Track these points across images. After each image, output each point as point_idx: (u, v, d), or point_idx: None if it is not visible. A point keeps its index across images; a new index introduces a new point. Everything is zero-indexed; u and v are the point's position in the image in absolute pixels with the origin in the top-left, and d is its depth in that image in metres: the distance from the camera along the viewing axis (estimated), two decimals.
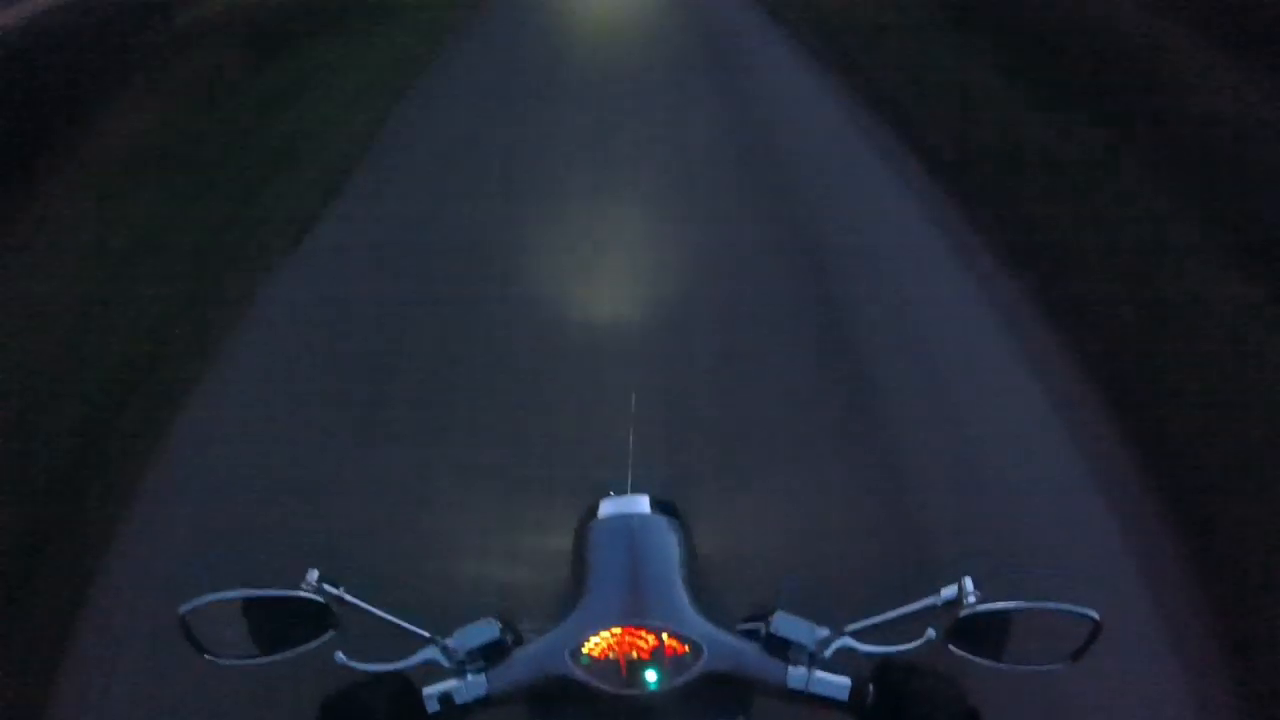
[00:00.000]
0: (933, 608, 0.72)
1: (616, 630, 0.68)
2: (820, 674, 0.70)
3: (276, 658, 0.73)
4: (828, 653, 0.71)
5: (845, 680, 0.71)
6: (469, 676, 0.70)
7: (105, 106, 4.75)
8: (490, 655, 0.70)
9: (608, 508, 0.79)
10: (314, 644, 0.72)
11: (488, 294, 2.80)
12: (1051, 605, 0.72)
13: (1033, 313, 2.65)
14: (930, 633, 0.71)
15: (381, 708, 0.68)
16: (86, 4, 7.29)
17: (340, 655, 0.70)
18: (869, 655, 0.72)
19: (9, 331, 2.45)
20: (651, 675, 0.68)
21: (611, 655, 0.69)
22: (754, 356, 2.45)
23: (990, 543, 1.84)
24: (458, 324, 2.59)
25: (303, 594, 0.71)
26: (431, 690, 0.70)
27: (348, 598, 0.72)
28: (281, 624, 0.72)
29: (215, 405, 2.32)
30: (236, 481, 2.01)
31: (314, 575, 0.71)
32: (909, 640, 0.71)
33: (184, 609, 0.71)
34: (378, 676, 0.70)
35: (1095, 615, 0.72)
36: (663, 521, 0.78)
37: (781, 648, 0.70)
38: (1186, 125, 3.74)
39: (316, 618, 0.72)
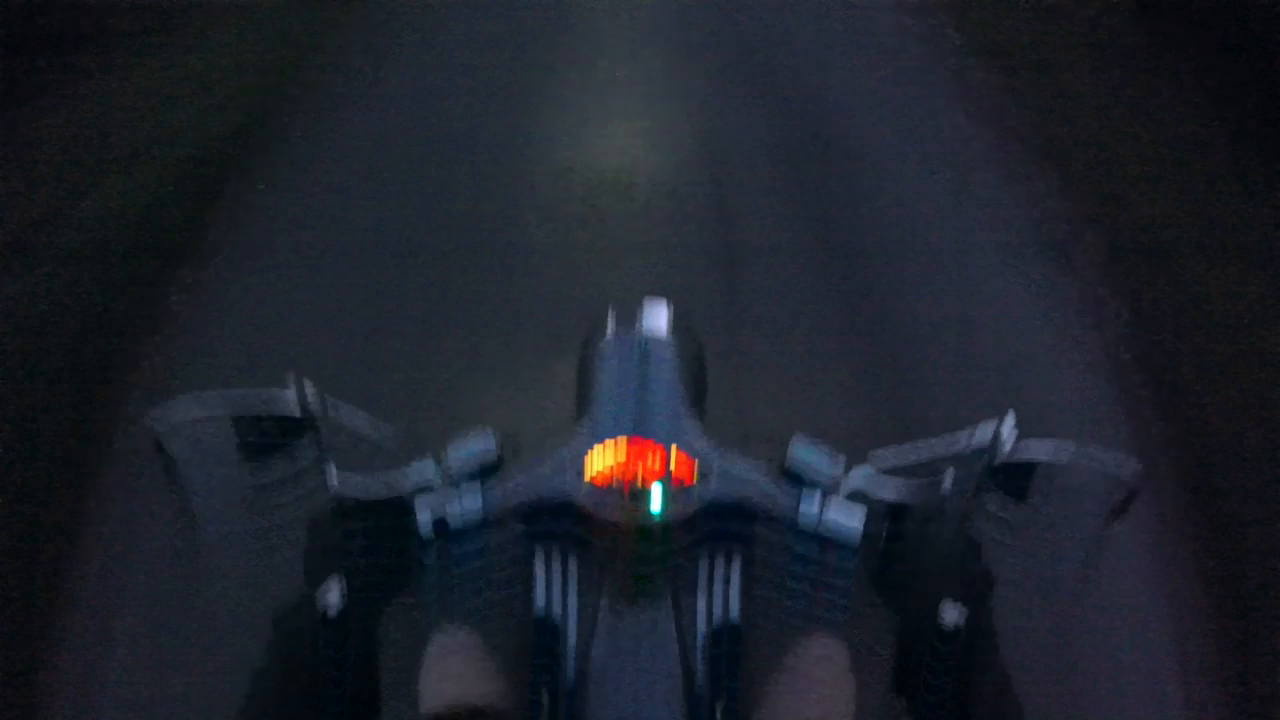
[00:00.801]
0: (966, 446, 0.66)
1: (622, 440, 0.64)
2: (834, 512, 0.66)
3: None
4: (845, 490, 0.67)
5: (858, 521, 0.66)
6: (464, 496, 0.66)
7: None
8: (487, 474, 0.66)
9: (616, 322, 0.74)
10: (293, 460, 0.67)
11: None
12: (1095, 453, 0.66)
13: None
14: (950, 476, 0.66)
15: (370, 524, 0.65)
16: None
17: (333, 475, 0.65)
18: (886, 497, 0.67)
19: None
20: (656, 499, 0.64)
21: (615, 480, 0.65)
22: None
23: None
24: None
25: (283, 398, 0.66)
26: (423, 509, 0.66)
27: (334, 411, 0.67)
28: (261, 437, 0.67)
29: None
30: None
31: (293, 379, 0.66)
32: (933, 483, 0.67)
33: (153, 416, 0.66)
34: (366, 491, 0.66)
35: (1133, 476, 0.66)
36: (674, 340, 0.73)
37: (795, 477, 0.66)
38: None
39: (302, 437, 0.67)
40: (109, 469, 1.71)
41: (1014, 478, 0.66)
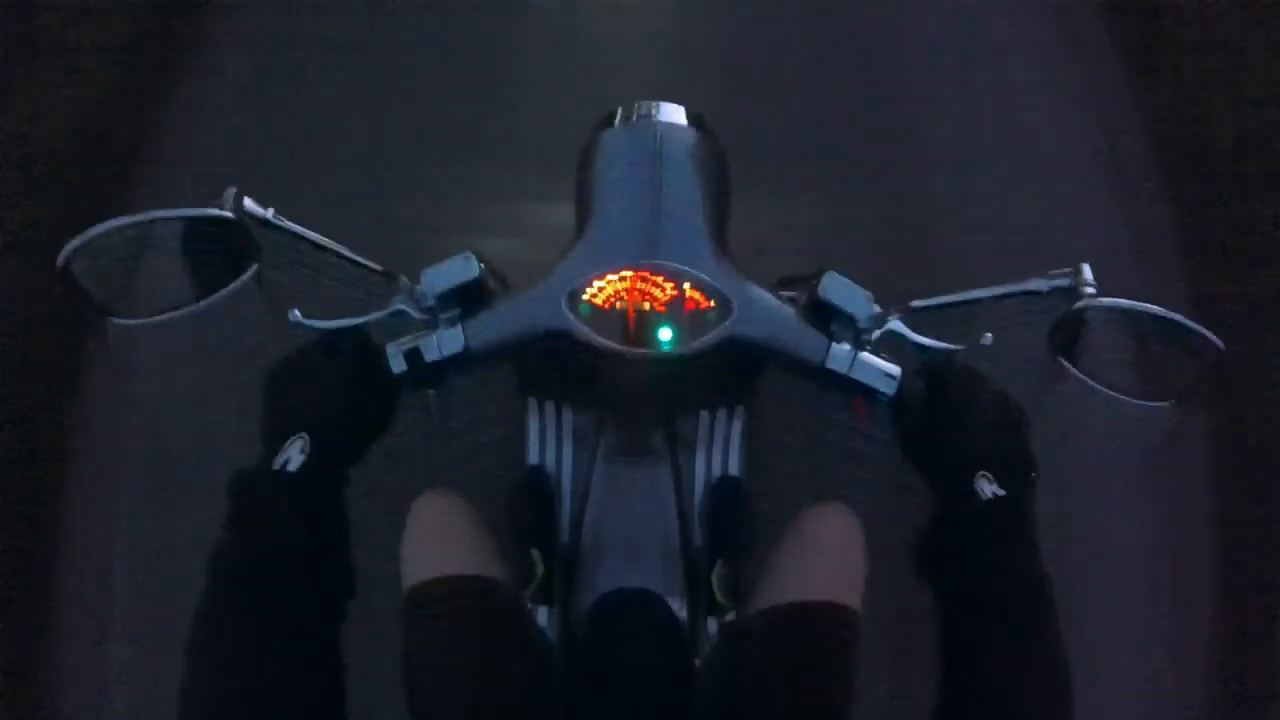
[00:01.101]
0: (1031, 294, 0.58)
1: (627, 273, 0.54)
2: (868, 356, 0.58)
3: (190, 308, 0.57)
4: (879, 333, 0.58)
5: (896, 369, 0.58)
6: (442, 328, 0.56)
7: None
8: (468, 302, 0.56)
9: (628, 112, 0.61)
10: (234, 285, 0.56)
11: None
12: (1179, 319, 0.58)
13: None
14: (988, 337, 0.58)
15: (337, 369, 0.56)
16: None
17: (296, 313, 0.55)
18: (924, 347, 0.59)
19: None
20: (666, 333, 0.55)
21: (619, 305, 0.55)
22: None
23: None
24: None
25: (215, 212, 0.54)
26: (396, 346, 0.57)
27: (279, 220, 0.56)
28: (197, 264, 0.57)
29: None
30: None
31: (231, 191, 0.55)
32: (980, 336, 0.58)
33: (66, 250, 0.54)
34: (330, 332, 0.56)
35: (1218, 342, 0.58)
36: (696, 139, 0.60)
37: (825, 318, 0.57)
38: None
39: (242, 253, 0.56)
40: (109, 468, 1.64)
41: (1087, 331, 0.58)
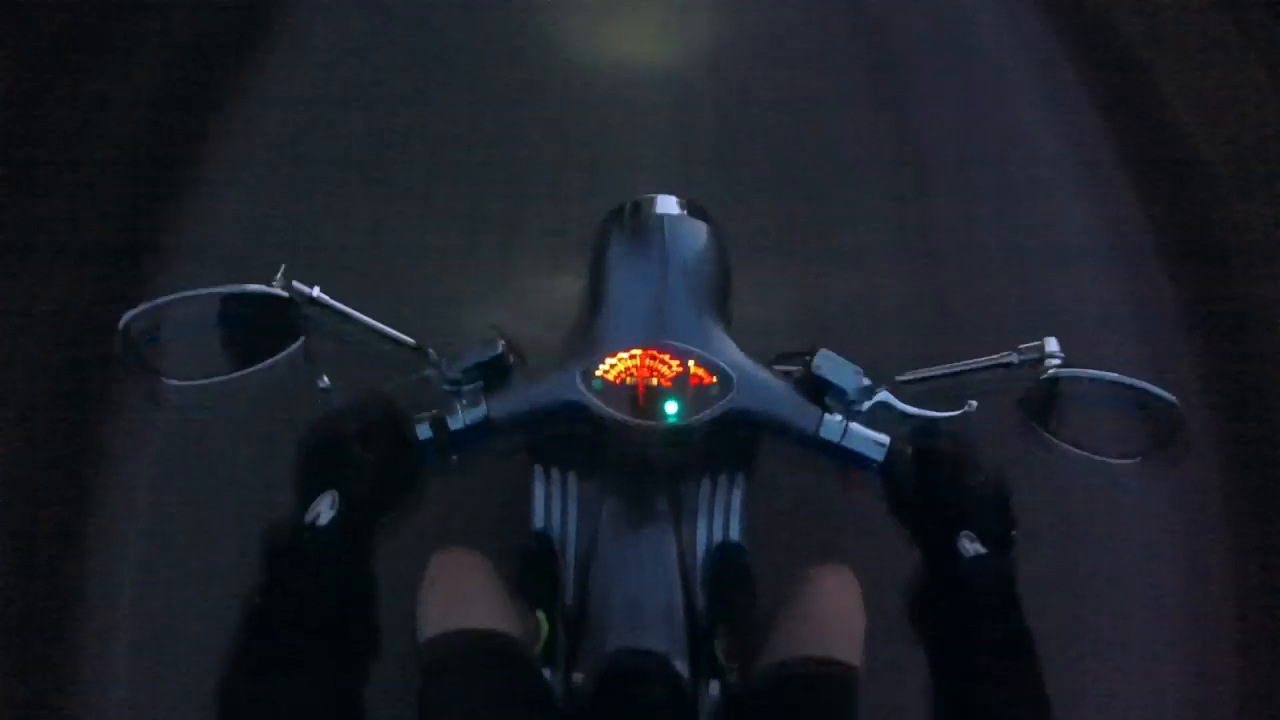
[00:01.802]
0: (1004, 366, 0.62)
1: (637, 352, 0.59)
2: (858, 427, 0.62)
3: (238, 374, 0.62)
4: (868, 404, 0.63)
5: (884, 437, 0.63)
6: (466, 399, 0.61)
7: None
8: (490, 376, 0.61)
9: (634, 211, 0.67)
10: (282, 355, 0.61)
11: None
12: (1141, 384, 0.62)
13: None
14: (972, 404, 0.62)
15: (367, 432, 0.59)
16: None
17: (325, 379, 0.60)
18: (910, 416, 0.64)
19: None
20: (672, 407, 0.59)
21: (629, 380, 0.59)
22: None
23: None
24: None
25: (266, 290, 0.60)
26: (423, 413, 0.61)
27: (323, 298, 0.61)
28: (244, 335, 0.62)
29: None
30: None
31: (281, 271, 0.61)
32: (960, 408, 0.63)
33: (125, 319, 0.59)
34: (362, 401, 0.60)
35: (1175, 401, 0.62)
36: (698, 230, 0.66)
37: (818, 392, 0.62)
38: None
39: (285, 325, 0.61)
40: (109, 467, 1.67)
41: (1055, 397, 0.63)
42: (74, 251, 1.82)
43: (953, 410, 0.63)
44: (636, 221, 0.66)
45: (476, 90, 2.01)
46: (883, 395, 0.63)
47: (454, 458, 0.63)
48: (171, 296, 0.60)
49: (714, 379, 0.59)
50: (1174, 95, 2.13)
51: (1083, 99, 2.09)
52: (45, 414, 1.66)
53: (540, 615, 0.79)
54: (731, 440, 0.72)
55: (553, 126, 1.96)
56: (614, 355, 0.59)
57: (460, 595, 0.70)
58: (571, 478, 0.83)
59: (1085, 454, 0.64)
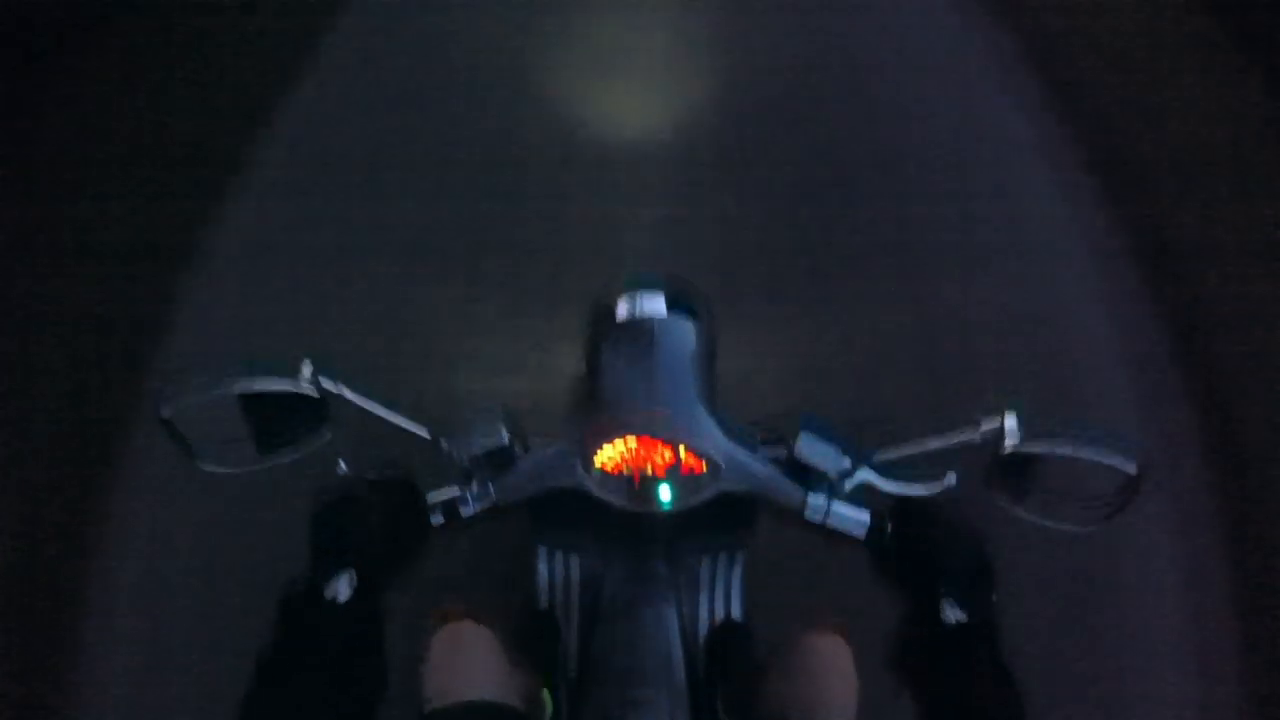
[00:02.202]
0: (970, 442, 0.67)
1: (632, 442, 0.64)
2: (840, 506, 0.67)
3: (270, 461, 0.68)
4: (849, 484, 0.67)
5: (864, 516, 0.67)
6: (474, 486, 0.66)
7: None
8: (497, 463, 0.66)
9: (625, 308, 0.71)
10: (310, 443, 0.67)
11: None
12: (1093, 454, 0.66)
13: None
14: (951, 477, 0.67)
15: (382, 516, 0.64)
16: None
17: (342, 464, 0.66)
18: (890, 493, 0.68)
19: None
20: (665, 493, 0.64)
21: (625, 469, 0.65)
22: None
23: None
24: None
25: (298, 388, 0.65)
26: (435, 500, 0.67)
27: (347, 394, 0.67)
28: (275, 422, 0.67)
29: None
30: None
31: (309, 369, 0.66)
32: (936, 478, 0.67)
33: (166, 411, 0.65)
34: (378, 484, 0.66)
35: (1133, 470, 0.65)
36: (685, 325, 0.70)
37: (803, 472, 0.66)
38: None
39: (313, 414, 0.67)
40: (109, 467, 1.71)
41: (1018, 470, 0.66)
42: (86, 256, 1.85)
43: (932, 483, 0.67)
44: (629, 317, 0.70)
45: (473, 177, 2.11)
46: (863, 474, 0.67)
47: (464, 540, 0.68)
48: (209, 390, 0.66)
49: (703, 465, 0.64)
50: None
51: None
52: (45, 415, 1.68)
53: (545, 693, 0.82)
54: (729, 519, 0.76)
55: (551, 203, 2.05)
56: (610, 444, 0.64)
57: (464, 667, 0.73)
58: (574, 556, 0.87)
59: (1051, 524, 0.68)
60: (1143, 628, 1.52)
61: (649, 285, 0.71)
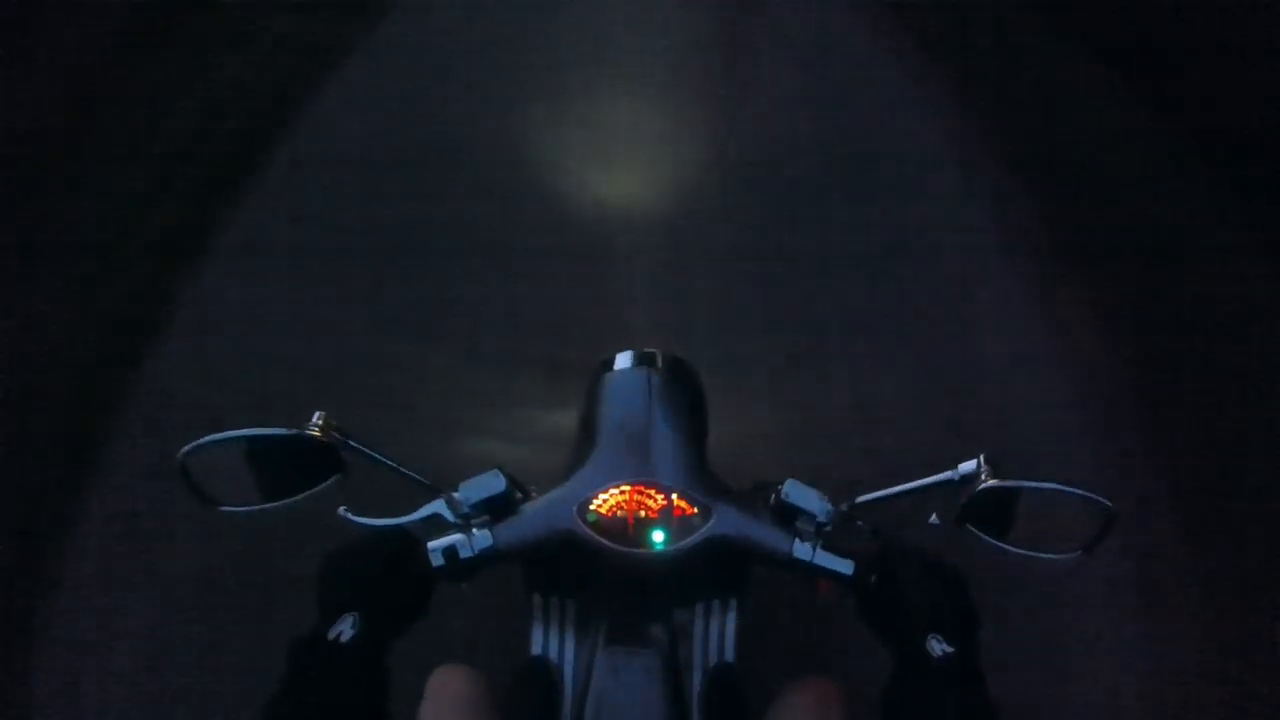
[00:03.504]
0: (947, 483, 0.70)
1: (626, 488, 0.67)
2: (826, 552, 0.69)
3: (280, 504, 0.70)
4: (835, 526, 0.70)
5: (849, 562, 0.70)
6: (474, 531, 0.68)
7: None
8: (496, 510, 0.69)
9: (623, 363, 0.77)
10: (318, 488, 0.70)
11: None
12: (1066, 489, 0.70)
13: None
14: (934, 517, 0.70)
15: (384, 562, 0.67)
16: None
17: (343, 510, 0.69)
18: (876, 533, 0.71)
19: None
20: (659, 536, 0.67)
21: (620, 514, 0.67)
22: None
23: None
24: None
25: (308, 434, 0.69)
26: (436, 544, 0.69)
27: (353, 443, 0.70)
28: (285, 469, 0.70)
29: None
30: None
31: (319, 416, 0.70)
32: (919, 519, 0.70)
33: (183, 452, 0.68)
34: (381, 530, 0.69)
35: (1109, 504, 0.69)
36: (679, 383, 0.76)
37: (790, 518, 0.69)
38: None
39: (321, 463, 0.70)
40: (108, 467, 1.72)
41: (998, 506, 0.70)
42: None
43: (914, 524, 0.70)
44: (627, 375, 0.77)
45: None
46: (848, 515, 0.71)
47: (464, 585, 0.70)
48: (227, 434, 0.69)
49: (695, 510, 0.67)
50: None
51: None
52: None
53: None
54: (722, 567, 0.78)
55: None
56: (606, 491, 0.67)
57: (458, 714, 0.74)
58: (569, 605, 0.87)
59: (1027, 554, 0.70)
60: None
61: (645, 349, 0.77)
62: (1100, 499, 0.70)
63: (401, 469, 0.72)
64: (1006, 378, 1.97)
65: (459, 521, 0.69)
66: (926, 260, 2.24)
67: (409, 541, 0.69)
